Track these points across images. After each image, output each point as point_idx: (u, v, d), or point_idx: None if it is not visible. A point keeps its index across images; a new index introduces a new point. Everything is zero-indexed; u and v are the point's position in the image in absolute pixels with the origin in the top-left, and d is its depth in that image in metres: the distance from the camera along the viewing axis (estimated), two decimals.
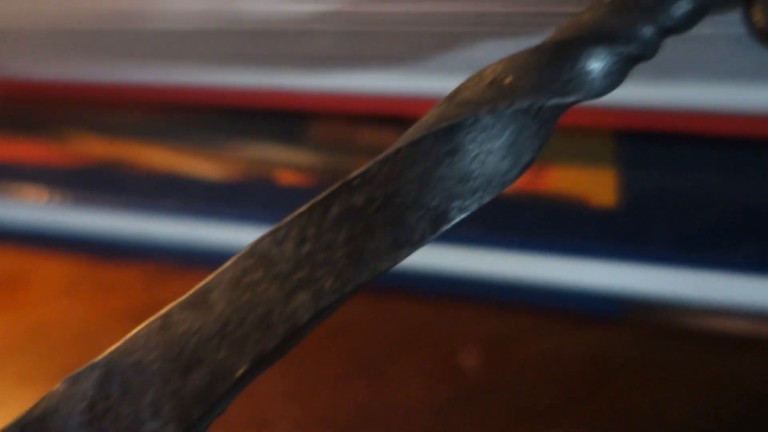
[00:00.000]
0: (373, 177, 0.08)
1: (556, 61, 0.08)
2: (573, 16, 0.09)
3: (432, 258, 0.13)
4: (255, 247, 0.08)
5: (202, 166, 0.14)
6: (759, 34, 0.08)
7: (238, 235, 0.14)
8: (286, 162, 0.14)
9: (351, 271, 0.08)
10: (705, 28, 0.09)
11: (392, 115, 0.14)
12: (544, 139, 0.09)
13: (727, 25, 0.09)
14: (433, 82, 0.12)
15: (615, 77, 0.08)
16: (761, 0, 0.08)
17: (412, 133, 0.08)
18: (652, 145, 0.13)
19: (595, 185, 0.12)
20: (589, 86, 0.08)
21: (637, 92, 0.11)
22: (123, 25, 0.12)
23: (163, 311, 0.08)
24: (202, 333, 0.08)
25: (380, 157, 0.08)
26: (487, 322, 0.13)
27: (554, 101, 0.08)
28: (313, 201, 0.08)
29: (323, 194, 0.08)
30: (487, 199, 0.08)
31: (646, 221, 0.12)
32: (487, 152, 0.08)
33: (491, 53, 0.11)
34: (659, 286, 0.12)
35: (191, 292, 0.08)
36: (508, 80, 0.08)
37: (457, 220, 0.08)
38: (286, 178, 0.14)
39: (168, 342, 0.08)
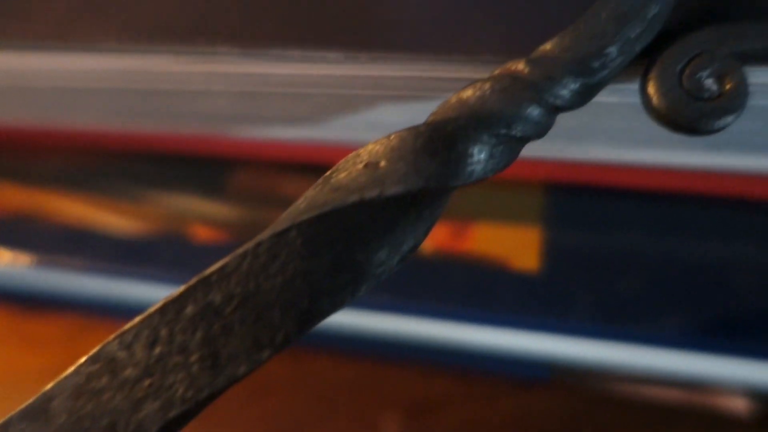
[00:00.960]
0: (232, 272, 0.07)
1: (432, 145, 0.07)
2: (470, 81, 0.08)
3: (356, 319, 0.13)
4: (102, 350, 0.07)
5: (117, 218, 0.14)
6: (653, 113, 0.08)
7: (154, 292, 0.14)
8: (204, 215, 0.13)
9: (206, 377, 0.07)
10: (609, 97, 0.09)
11: (316, 164, 0.13)
12: (428, 223, 0.08)
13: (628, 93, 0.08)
14: (345, 134, 0.11)
15: (500, 159, 0.08)
16: (657, 75, 0.08)
17: (277, 223, 0.08)
18: (580, 202, 0.12)
19: (519, 246, 0.12)
20: (470, 171, 0.08)
21: (567, 147, 0.11)
22: (19, 82, 0.11)
23: (1, 421, 0.07)
24: None
25: (240, 250, 0.07)
26: (412, 386, 0.13)
27: (431, 188, 0.07)
28: (166, 299, 0.07)
29: (178, 291, 0.07)
30: (363, 291, 0.08)
31: (568, 288, 0.11)
32: (359, 242, 0.08)
33: (392, 115, 0.10)
34: (583, 354, 0.11)
35: (32, 400, 0.07)
36: (382, 164, 0.08)
37: (326, 314, 0.08)
38: (202, 233, 0.13)
39: None
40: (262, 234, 0.07)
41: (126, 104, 0.11)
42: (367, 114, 0.10)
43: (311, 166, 0.13)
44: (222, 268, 0.07)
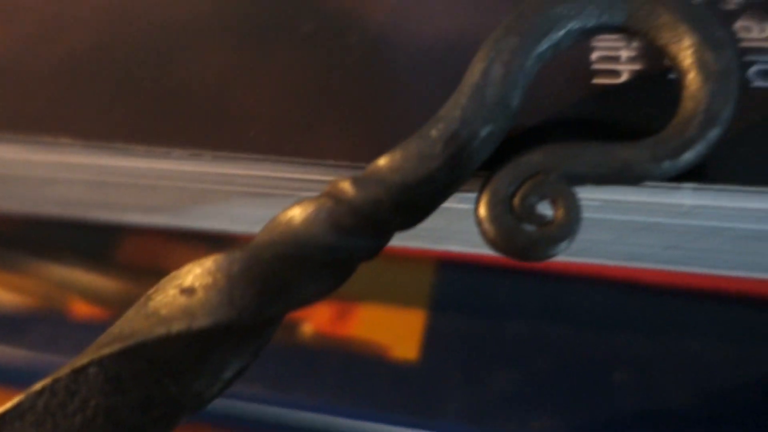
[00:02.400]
0: (27, 411, 0.07)
1: (248, 273, 0.07)
2: (324, 183, 0.08)
3: (226, 405, 0.12)
4: None
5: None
6: (483, 237, 0.07)
7: (30, 364, 0.13)
8: (85, 288, 0.13)
9: None
10: (460, 203, 0.08)
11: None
12: (255, 346, 0.08)
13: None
14: (206, 224, 0.11)
15: (326, 284, 0.07)
16: (487, 200, 0.07)
17: (80, 356, 0.07)
18: (469, 282, 0.12)
19: (402, 333, 0.11)
20: (289, 299, 0.07)
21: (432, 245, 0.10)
22: None
23: None
24: None
25: (38, 386, 0.07)
26: None
27: (244, 320, 0.07)
28: None
29: None
30: (181, 421, 0.07)
31: (443, 383, 0.11)
32: (170, 376, 0.07)
33: (250, 208, 0.10)
34: None
35: None
36: (199, 294, 0.07)
37: None
38: (82, 309, 0.13)
39: None
40: (61, 369, 0.07)
41: None
42: (224, 206, 0.10)
43: (202, 234, 0.12)
44: (16, 407, 0.07)
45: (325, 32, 0.10)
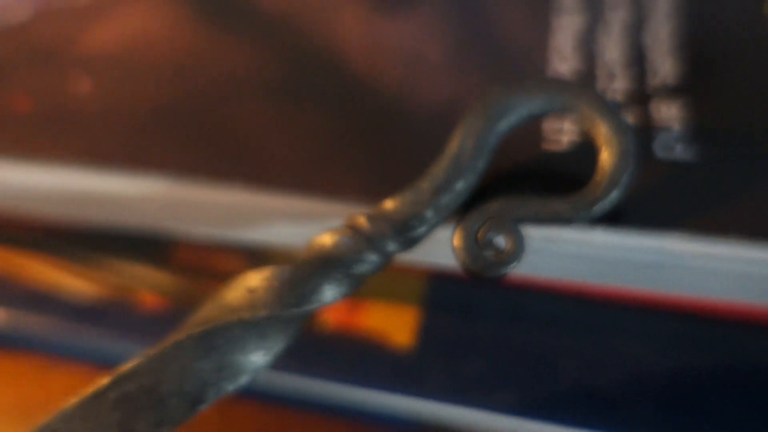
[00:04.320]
0: (143, 369, 0.10)
1: (293, 281, 0.10)
2: (340, 212, 0.11)
3: (270, 376, 0.16)
4: (45, 425, 0.10)
5: (76, 281, 0.16)
6: (456, 260, 0.10)
7: (107, 344, 0.16)
8: (150, 284, 0.16)
9: None
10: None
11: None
12: (293, 334, 0.11)
13: None
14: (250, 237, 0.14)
15: (344, 291, 0.11)
16: (460, 233, 0.10)
17: (178, 332, 0.10)
18: (453, 289, 0.15)
19: (399, 324, 0.15)
20: (319, 300, 0.10)
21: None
22: None
23: None
24: None
25: (150, 352, 0.10)
26: (313, 429, 0.16)
27: (291, 312, 0.10)
28: (97, 386, 0.10)
29: (104, 382, 0.10)
30: (243, 381, 0.11)
31: (435, 366, 0.14)
32: (239, 348, 0.10)
33: (287, 229, 0.13)
34: (444, 417, 0.14)
35: None
36: (260, 292, 0.10)
37: (212, 400, 0.10)
38: (148, 299, 0.16)
39: None
40: (166, 341, 0.10)
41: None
42: (263, 225, 0.13)
43: (242, 245, 0.16)
44: (136, 366, 0.10)
45: (346, 93, 0.14)
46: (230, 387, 0.10)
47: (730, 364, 0.12)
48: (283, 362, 0.14)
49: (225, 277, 0.16)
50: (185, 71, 0.15)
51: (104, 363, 0.16)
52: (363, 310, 0.15)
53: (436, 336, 0.14)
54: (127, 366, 0.10)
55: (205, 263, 0.17)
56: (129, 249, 0.17)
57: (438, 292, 0.15)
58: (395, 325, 0.15)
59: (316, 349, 0.15)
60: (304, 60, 0.14)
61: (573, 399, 0.13)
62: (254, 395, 0.16)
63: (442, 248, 0.12)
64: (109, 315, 0.16)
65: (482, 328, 0.14)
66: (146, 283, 0.16)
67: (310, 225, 0.12)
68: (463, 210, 0.11)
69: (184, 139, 0.13)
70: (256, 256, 0.16)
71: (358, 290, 0.11)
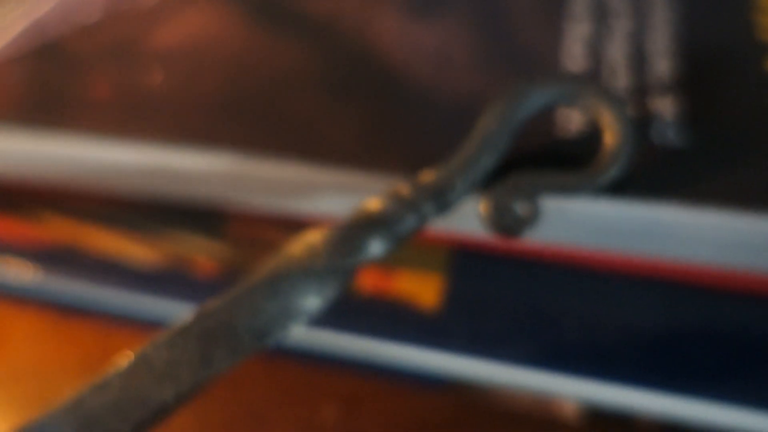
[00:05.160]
0: (222, 308, 0.12)
1: (346, 238, 0.12)
2: (386, 184, 0.13)
3: (304, 334, 0.18)
4: (141, 353, 0.12)
5: (139, 250, 0.18)
6: (482, 222, 0.13)
7: (166, 307, 0.19)
8: (205, 253, 0.18)
9: (202, 370, 0.12)
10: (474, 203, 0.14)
11: (294, 219, 0.18)
12: (344, 284, 0.13)
13: None
14: (303, 208, 0.16)
15: (387, 248, 0.13)
16: (486, 201, 0.13)
17: (250, 278, 0.12)
18: (472, 260, 0.17)
19: (426, 290, 0.17)
20: (367, 253, 0.12)
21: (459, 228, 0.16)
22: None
23: (78, 393, 0.12)
24: (103, 408, 0.12)
25: (227, 295, 0.12)
26: (346, 385, 0.18)
27: (343, 263, 0.12)
28: (183, 321, 0.12)
29: (189, 318, 0.12)
30: (303, 321, 0.13)
31: (458, 324, 0.16)
32: (299, 294, 0.12)
33: (337, 200, 0.15)
34: (462, 369, 0.16)
35: (100, 379, 0.12)
36: (317, 246, 0.13)
37: (276, 336, 0.12)
38: (204, 265, 0.18)
39: (80, 414, 0.12)
40: (240, 285, 0.12)
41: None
42: (317, 198, 0.15)
43: (291, 220, 0.18)
44: (216, 306, 0.12)
45: (386, 85, 0.16)
46: (292, 326, 0.12)
47: (709, 322, 0.14)
48: (326, 320, 0.17)
49: (270, 247, 0.18)
50: (245, 65, 0.17)
51: (160, 325, 0.18)
52: (395, 277, 0.17)
53: (458, 299, 0.16)
54: (208, 305, 0.12)
55: (253, 235, 0.19)
56: (187, 222, 0.19)
57: (460, 262, 0.17)
58: (423, 289, 0.17)
59: (355, 309, 0.17)
60: (350, 57, 0.17)
61: (576, 352, 0.15)
62: (296, 353, 0.18)
63: (468, 218, 0.14)
64: (167, 280, 0.18)
65: (498, 292, 0.16)
66: (202, 252, 0.18)
67: (355, 195, 0.14)
68: (488, 183, 0.13)
69: (245, 121, 0.15)
70: (298, 229, 0.18)
71: (399, 248, 0.13)
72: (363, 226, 0.13)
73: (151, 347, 0.12)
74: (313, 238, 0.13)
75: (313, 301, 0.13)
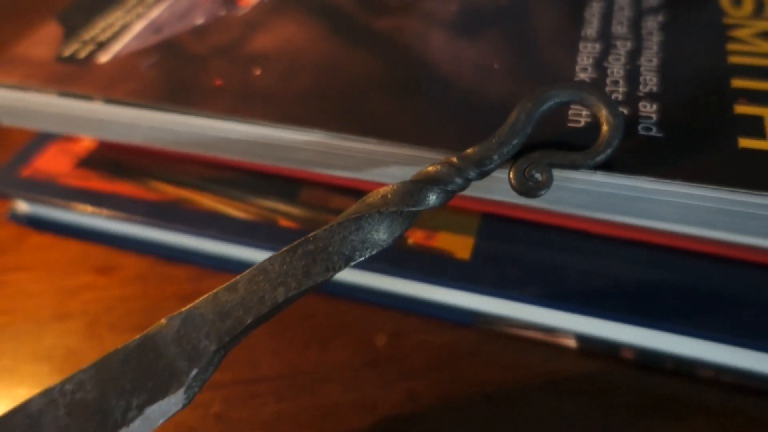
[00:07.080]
0: (320, 237, 0.17)
1: (411, 191, 0.17)
2: (434, 161, 0.18)
3: (361, 278, 0.22)
4: (260, 265, 0.17)
5: (232, 209, 0.23)
6: (511, 186, 0.17)
7: (252, 255, 0.23)
8: (284, 212, 0.23)
9: (304, 280, 0.17)
10: (501, 173, 0.18)
11: (352, 189, 0.23)
12: (407, 226, 0.18)
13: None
14: (372, 177, 0.21)
15: (441, 201, 0.17)
16: (513, 170, 0.17)
17: (340, 217, 0.17)
18: (498, 225, 0.22)
19: (460, 247, 0.21)
20: (426, 203, 0.17)
21: (486, 195, 0.20)
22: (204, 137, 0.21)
23: (215, 291, 0.17)
24: (233, 302, 0.17)
25: (325, 227, 0.17)
26: (392, 320, 0.22)
27: (408, 209, 0.17)
28: (290, 245, 0.17)
29: (295, 243, 0.17)
30: (375, 252, 0.17)
31: (485, 271, 0.21)
32: (375, 230, 0.17)
33: (398, 170, 0.20)
34: (489, 308, 0.21)
35: (229, 282, 0.17)
36: (389, 196, 0.17)
37: (358, 260, 0.17)
38: (284, 222, 0.23)
39: (216, 305, 0.17)
40: (333, 221, 0.17)
41: (256, 151, 0.21)
42: (384, 168, 0.20)
43: (349, 189, 0.23)
44: (316, 234, 0.17)
45: (437, 87, 0.20)
46: (368, 254, 0.17)
47: (677, 274, 0.19)
48: (382, 264, 0.21)
49: (335, 211, 0.23)
50: (326, 66, 0.22)
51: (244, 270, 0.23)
52: (437, 237, 0.22)
53: (484, 253, 0.21)
54: (311, 234, 0.17)
55: (320, 201, 0.23)
56: (270, 190, 0.24)
57: (487, 226, 0.22)
58: (458, 245, 0.22)
59: (405, 258, 0.21)
60: (411, 63, 0.21)
61: (574, 294, 0.20)
62: (355, 293, 0.23)
63: (498, 186, 0.19)
64: (257, 231, 0.23)
65: (515, 249, 0.21)
66: (281, 213, 0.23)
67: (414, 167, 0.19)
68: (516, 157, 0.17)
69: (330, 109, 0.20)
70: (352, 197, 0.23)
71: (449, 202, 0.18)
72: (423, 182, 0.17)
73: (268, 261, 0.17)
74: (386, 190, 0.17)
75: (384, 236, 0.17)
